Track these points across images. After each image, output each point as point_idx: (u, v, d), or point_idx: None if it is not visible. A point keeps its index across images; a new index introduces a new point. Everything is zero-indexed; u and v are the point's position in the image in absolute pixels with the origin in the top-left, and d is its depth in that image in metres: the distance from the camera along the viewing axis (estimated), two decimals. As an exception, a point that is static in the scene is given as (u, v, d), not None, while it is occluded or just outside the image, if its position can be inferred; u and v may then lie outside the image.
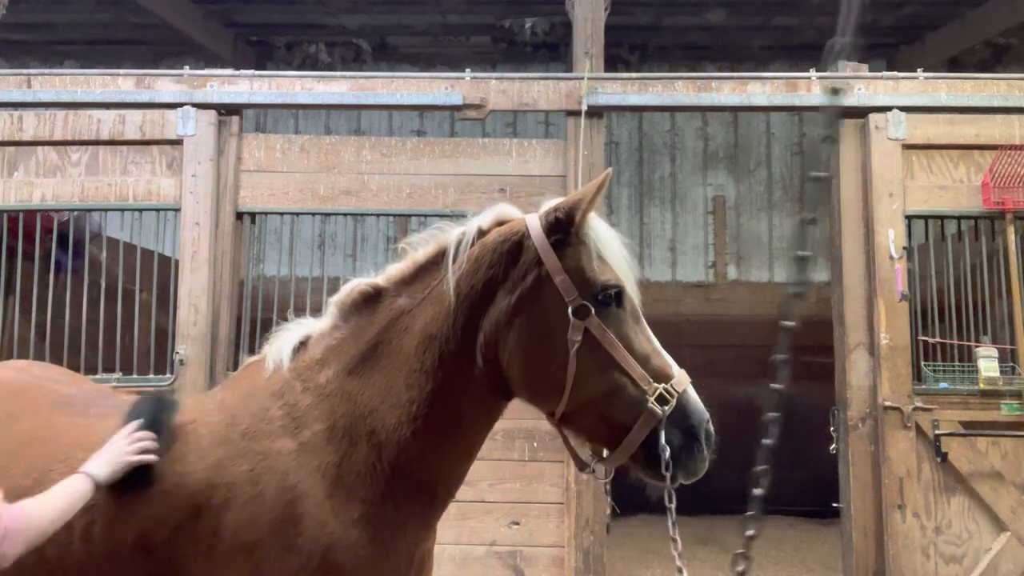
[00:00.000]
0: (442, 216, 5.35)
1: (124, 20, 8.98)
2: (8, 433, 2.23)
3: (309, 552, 2.00)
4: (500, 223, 2.18)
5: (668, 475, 1.97)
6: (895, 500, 4.70)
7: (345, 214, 5.26)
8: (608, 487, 4.93)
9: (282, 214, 5.29)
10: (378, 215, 5.28)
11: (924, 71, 5.23)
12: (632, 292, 2.11)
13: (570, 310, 2.00)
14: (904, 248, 4.90)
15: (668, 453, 1.95)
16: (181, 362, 4.85)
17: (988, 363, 4.80)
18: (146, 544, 2.05)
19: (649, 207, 10.00)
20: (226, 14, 9.14)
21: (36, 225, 5.32)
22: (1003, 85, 5.16)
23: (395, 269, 2.27)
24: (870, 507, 4.80)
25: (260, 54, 9.93)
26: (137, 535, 2.05)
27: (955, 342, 4.98)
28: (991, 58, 9.01)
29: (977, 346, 4.92)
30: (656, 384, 1.98)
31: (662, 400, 1.97)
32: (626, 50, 9.55)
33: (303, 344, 2.28)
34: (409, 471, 2.12)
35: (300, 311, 5.19)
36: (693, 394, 2.03)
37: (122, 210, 5.15)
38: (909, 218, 4.98)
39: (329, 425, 2.12)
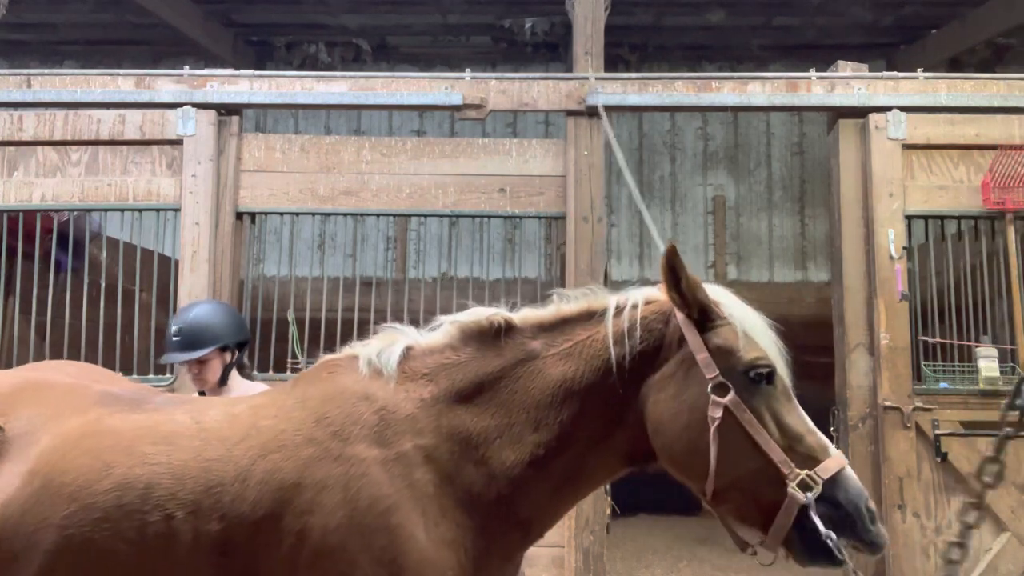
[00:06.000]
0: (442, 216, 5.36)
1: (124, 20, 8.98)
2: (57, 431, 2.20)
3: (400, 566, 1.95)
4: (649, 302, 2.20)
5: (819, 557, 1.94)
6: (895, 500, 4.70)
7: (345, 214, 5.26)
8: (608, 487, 4.93)
9: (282, 214, 5.29)
10: (378, 215, 5.28)
11: (924, 71, 5.23)
12: (783, 373, 2.09)
13: (709, 387, 2.01)
14: (904, 248, 4.90)
15: (834, 539, 1.91)
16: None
17: (988, 363, 4.80)
18: (227, 541, 2.00)
19: (649, 207, 9.97)
20: (226, 14, 9.13)
21: (36, 225, 5.32)
22: (1003, 85, 5.16)
23: (533, 313, 2.27)
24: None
25: (260, 54, 9.93)
26: (220, 530, 1.99)
27: (955, 342, 4.99)
28: (991, 58, 9.00)
29: (977, 346, 4.92)
30: (798, 470, 1.95)
31: (805, 486, 1.93)
32: (626, 50, 9.54)
33: (406, 353, 2.24)
34: (513, 506, 2.11)
35: (300, 311, 5.21)
36: (848, 476, 1.97)
37: (122, 210, 5.15)
38: (909, 218, 4.99)
39: (433, 442, 2.08)
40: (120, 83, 5.26)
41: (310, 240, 8.75)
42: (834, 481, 1.95)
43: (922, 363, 4.94)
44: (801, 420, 2.05)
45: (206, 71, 5.38)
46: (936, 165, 5.04)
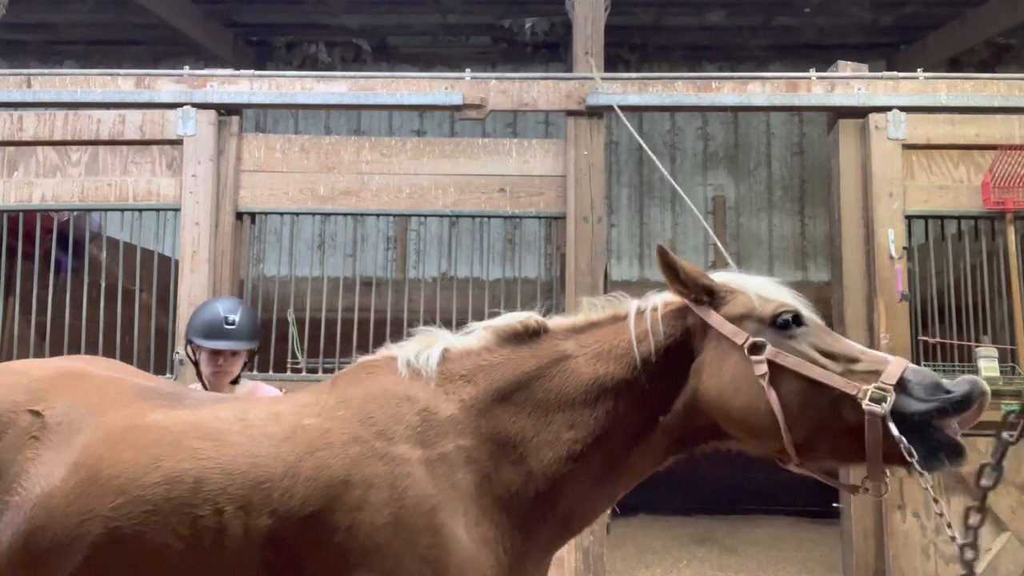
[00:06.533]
0: (442, 216, 5.36)
1: (124, 20, 8.98)
2: (99, 422, 2.21)
3: (443, 565, 1.99)
4: (668, 303, 2.29)
5: (914, 461, 1.90)
6: (895, 500, 4.70)
7: (345, 214, 5.26)
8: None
9: (282, 214, 5.29)
10: (378, 215, 5.28)
11: (924, 71, 5.23)
12: (810, 314, 2.16)
13: (746, 351, 2.07)
14: (904, 248, 4.90)
15: (905, 441, 1.89)
16: (181, 362, 4.85)
17: (988, 363, 4.80)
18: (276, 536, 2.02)
19: (649, 207, 10.00)
20: (226, 14, 9.14)
21: (36, 225, 5.32)
22: (1003, 85, 5.16)
23: (564, 319, 2.37)
24: (870, 507, 4.80)
25: (260, 54, 9.93)
26: (269, 526, 2.02)
27: (955, 342, 4.98)
28: (991, 58, 9.01)
29: (977, 346, 4.92)
30: (864, 385, 1.95)
31: (877, 398, 1.93)
32: (626, 50, 9.55)
33: (443, 355, 2.29)
34: (552, 503, 2.16)
35: (300, 311, 5.21)
36: (914, 373, 1.97)
37: (122, 210, 5.15)
38: (909, 218, 4.99)
39: (474, 443, 2.14)
40: (120, 83, 5.26)
41: (310, 240, 8.75)
42: (903, 381, 1.95)
43: (922, 363, 4.93)
44: (849, 346, 2.10)
45: (206, 71, 5.38)
46: (936, 165, 5.04)
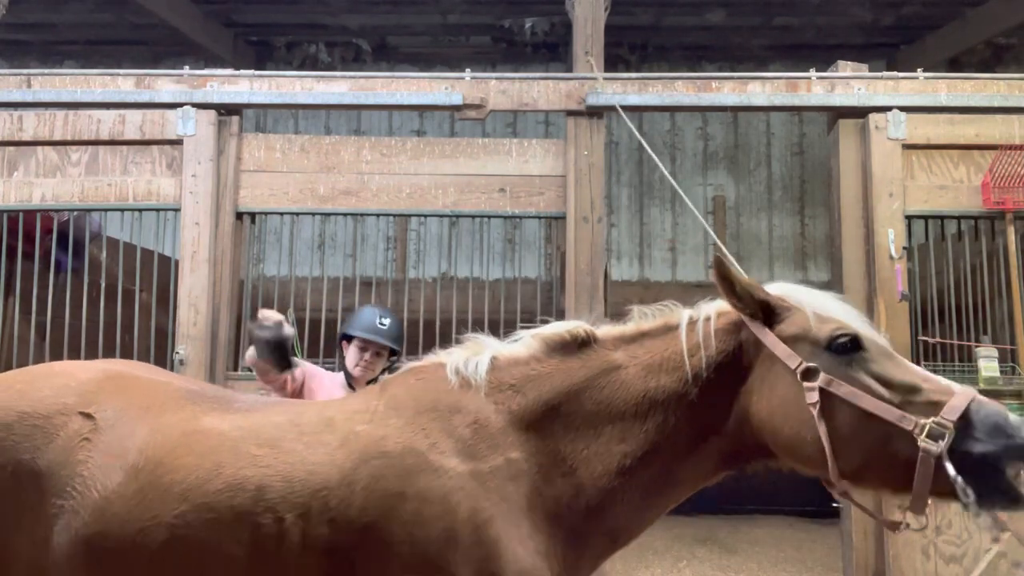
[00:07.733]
0: (442, 216, 5.36)
1: (124, 20, 8.99)
2: (155, 425, 2.18)
3: None
4: (721, 314, 2.22)
5: (971, 502, 1.83)
6: (895, 500, 4.69)
7: (345, 214, 5.26)
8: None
9: (282, 214, 5.29)
10: (378, 215, 5.28)
11: (924, 71, 5.23)
12: (871, 336, 2.06)
13: (798, 376, 2.00)
14: (904, 248, 4.90)
15: (961, 482, 1.82)
16: (181, 362, 4.85)
17: (988, 363, 4.80)
18: (334, 545, 2.01)
19: (649, 207, 10.00)
20: (226, 14, 9.14)
21: (36, 225, 5.32)
22: (1003, 85, 5.16)
23: (614, 328, 2.32)
24: (870, 507, 4.79)
25: (260, 54, 9.93)
26: (328, 534, 2.01)
27: (955, 342, 4.98)
28: (991, 58, 9.02)
29: (977, 346, 4.92)
30: (922, 420, 1.86)
31: (935, 435, 1.84)
32: (626, 50, 9.55)
33: (492, 364, 2.27)
34: (602, 515, 2.13)
35: (300, 311, 5.21)
36: (979, 403, 1.88)
37: (122, 210, 5.15)
38: (909, 218, 4.98)
39: (524, 455, 2.11)
40: (120, 83, 5.25)
41: (310, 240, 8.75)
42: (967, 415, 1.85)
43: (922, 363, 4.93)
44: (911, 372, 2.00)
45: (206, 71, 5.37)
46: (936, 165, 5.03)
